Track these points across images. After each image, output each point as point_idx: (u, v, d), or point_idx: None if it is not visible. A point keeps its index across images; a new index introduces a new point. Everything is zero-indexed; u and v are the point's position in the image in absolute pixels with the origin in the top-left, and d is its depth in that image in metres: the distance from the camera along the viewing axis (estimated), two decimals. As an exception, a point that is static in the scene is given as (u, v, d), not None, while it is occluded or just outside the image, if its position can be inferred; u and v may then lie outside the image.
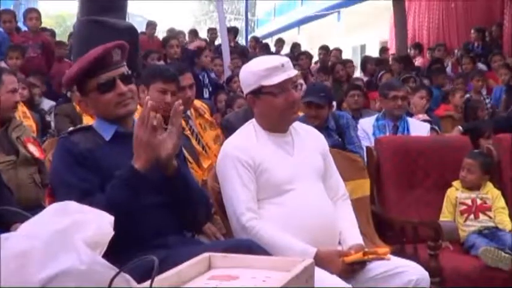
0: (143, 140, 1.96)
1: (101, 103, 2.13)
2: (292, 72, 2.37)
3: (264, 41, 12.79)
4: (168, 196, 2.10)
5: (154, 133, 1.97)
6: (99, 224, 1.18)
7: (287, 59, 2.40)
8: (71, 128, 2.22)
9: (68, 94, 5.46)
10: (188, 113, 3.41)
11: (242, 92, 2.56)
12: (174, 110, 2.04)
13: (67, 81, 2.21)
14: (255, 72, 2.37)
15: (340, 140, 3.91)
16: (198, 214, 2.24)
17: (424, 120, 4.83)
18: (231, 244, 1.92)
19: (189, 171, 2.42)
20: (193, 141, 3.30)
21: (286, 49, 11.78)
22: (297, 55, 9.32)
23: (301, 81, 4.96)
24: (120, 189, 1.95)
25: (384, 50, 11.31)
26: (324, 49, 10.03)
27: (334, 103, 4.76)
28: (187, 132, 3.28)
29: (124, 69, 2.16)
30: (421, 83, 7.09)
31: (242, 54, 8.53)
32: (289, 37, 16.12)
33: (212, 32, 10.52)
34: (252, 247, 1.91)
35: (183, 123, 3.28)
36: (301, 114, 4.28)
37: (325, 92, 3.94)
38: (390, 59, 9.73)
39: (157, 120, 1.97)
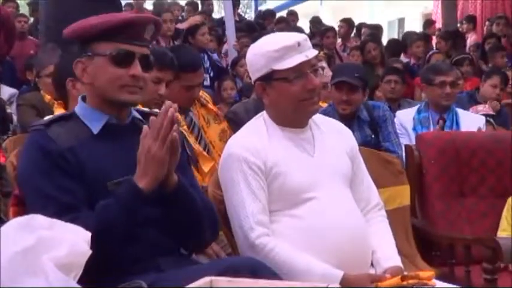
0: (157, 157, 1.95)
1: (105, 75, 2.08)
2: (311, 52, 2.36)
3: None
4: (164, 210, 2.10)
5: (172, 151, 1.97)
6: (73, 241, 1.18)
7: (304, 37, 2.39)
8: (48, 117, 2.17)
9: (37, 80, 5.47)
10: None
11: (250, 78, 2.56)
12: (166, 115, 1.97)
13: (74, 31, 2.14)
14: (264, 54, 2.36)
15: (373, 136, 3.91)
16: (203, 234, 2.23)
17: (485, 115, 4.74)
18: (230, 264, 1.92)
19: (193, 176, 2.43)
20: (191, 139, 3.30)
21: (303, 23, 11.74)
22: (323, 31, 9.29)
23: (324, 64, 4.96)
24: (117, 212, 1.94)
25: (429, 23, 11.22)
26: (346, 22, 9.99)
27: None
28: (184, 128, 3.28)
29: (147, 51, 2.14)
30: (494, 67, 6.94)
31: (251, 30, 8.52)
32: (310, 9, 16.09)
33: (208, 3, 10.47)
34: (256, 267, 1.92)
35: (179, 116, 3.30)
36: (324, 105, 4.29)
37: (359, 72, 3.96)
38: (435, 35, 9.64)
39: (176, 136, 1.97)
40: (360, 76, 3.88)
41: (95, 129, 2.11)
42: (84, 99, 2.19)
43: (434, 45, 9.23)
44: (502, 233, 3.30)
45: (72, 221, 1.84)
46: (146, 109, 2.37)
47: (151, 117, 2.01)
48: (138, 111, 2.26)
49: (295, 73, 2.34)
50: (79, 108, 2.16)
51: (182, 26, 7.45)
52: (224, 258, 2.82)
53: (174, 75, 3.14)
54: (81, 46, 2.14)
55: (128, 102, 2.13)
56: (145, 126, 2.01)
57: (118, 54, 2.07)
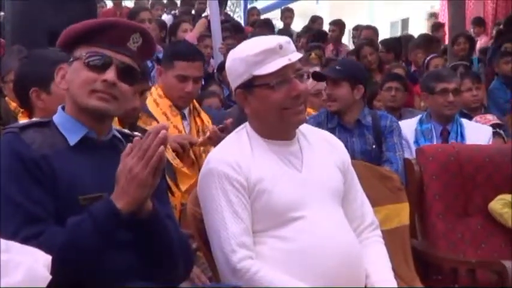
0: (138, 178, 1.96)
1: (78, 79, 2.12)
2: (294, 55, 2.37)
3: (266, 15, 12.71)
4: (136, 236, 2.09)
5: (156, 173, 1.98)
6: (31, 266, 1.18)
7: (287, 39, 2.40)
8: (24, 121, 2.21)
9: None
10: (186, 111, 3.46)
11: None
12: (156, 135, 1.98)
13: (61, 39, 2.21)
14: (243, 59, 2.37)
15: (374, 146, 3.93)
16: (175, 269, 2.21)
17: (495, 125, 4.74)
18: None
19: (171, 207, 2.43)
20: (169, 155, 3.30)
21: (299, 23, 11.77)
22: (319, 34, 9.31)
23: (317, 69, 4.96)
24: (90, 231, 1.94)
25: (437, 26, 11.20)
26: (337, 24, 10.06)
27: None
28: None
29: (130, 62, 2.16)
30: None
31: (237, 32, 8.53)
32: (306, 9, 16.15)
33: (200, 1, 10.43)
34: None
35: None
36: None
37: (343, 65, 4.04)
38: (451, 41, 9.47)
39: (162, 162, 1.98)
40: (341, 69, 3.95)
41: (72, 141, 2.13)
42: (64, 108, 2.22)
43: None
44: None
45: (38, 234, 1.88)
46: (127, 131, 2.38)
47: (136, 138, 2.03)
48: (119, 131, 2.28)
49: (277, 78, 2.35)
50: (57, 116, 2.20)
51: (192, 37, 7.27)
52: (205, 283, 2.82)
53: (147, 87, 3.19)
54: (69, 51, 2.20)
55: (97, 110, 2.12)
56: (129, 144, 2.02)
57: (91, 56, 2.11)
